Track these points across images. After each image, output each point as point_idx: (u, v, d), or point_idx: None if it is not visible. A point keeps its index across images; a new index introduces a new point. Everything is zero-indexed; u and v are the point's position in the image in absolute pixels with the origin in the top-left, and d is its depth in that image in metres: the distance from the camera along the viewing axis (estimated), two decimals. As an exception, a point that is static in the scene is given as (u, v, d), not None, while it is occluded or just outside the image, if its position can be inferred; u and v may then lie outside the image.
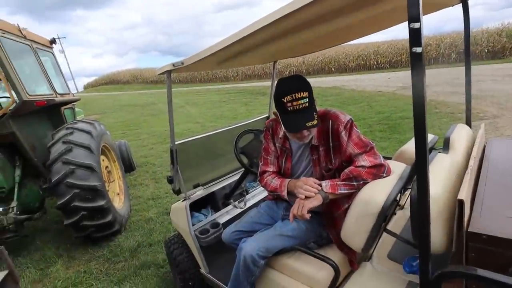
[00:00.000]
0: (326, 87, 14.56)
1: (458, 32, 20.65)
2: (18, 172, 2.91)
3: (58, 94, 3.46)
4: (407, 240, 1.27)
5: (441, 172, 1.08)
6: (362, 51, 23.70)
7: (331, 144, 1.31)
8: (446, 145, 1.38)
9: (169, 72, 1.56)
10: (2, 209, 2.70)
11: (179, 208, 1.87)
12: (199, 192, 1.98)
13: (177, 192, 1.85)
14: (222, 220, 1.93)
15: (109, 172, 3.49)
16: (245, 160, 1.86)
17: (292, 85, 1.19)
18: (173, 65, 1.48)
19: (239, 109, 11.53)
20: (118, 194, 3.63)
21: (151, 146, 7.27)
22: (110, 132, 4.23)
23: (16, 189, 2.83)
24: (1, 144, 2.78)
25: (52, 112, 3.40)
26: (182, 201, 1.90)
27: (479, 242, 0.84)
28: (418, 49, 0.69)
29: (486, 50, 17.93)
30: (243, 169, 2.19)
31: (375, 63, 22.67)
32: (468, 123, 1.76)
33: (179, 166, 1.80)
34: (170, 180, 1.83)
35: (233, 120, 9.78)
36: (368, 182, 1.21)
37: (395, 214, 1.07)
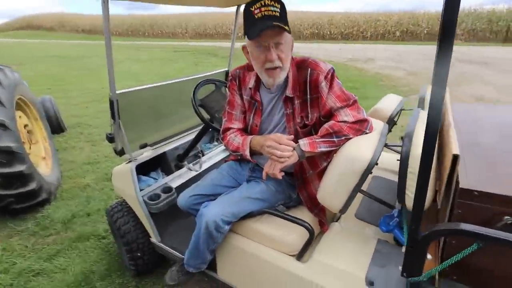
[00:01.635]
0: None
1: (404, 11, 21.87)
2: None
3: None
4: (386, 202, 1.25)
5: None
6: (317, 19, 23.72)
7: (308, 97, 1.15)
8: (421, 103, 1.40)
9: None
10: None
11: (123, 171, 1.60)
12: (147, 153, 1.71)
13: (120, 152, 1.56)
14: (174, 184, 1.72)
15: (29, 132, 2.89)
16: (205, 115, 1.62)
17: None
18: None
19: (188, 69, 10.73)
20: (44, 158, 3.07)
21: (85, 104, 6.35)
22: (32, 86, 3.48)
23: None
24: None
25: None
26: (127, 163, 1.62)
27: (469, 199, 0.81)
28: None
29: (425, 32, 19.42)
30: (198, 128, 1.94)
31: (328, 33, 22.99)
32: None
33: (122, 122, 1.48)
34: (111, 139, 1.51)
35: (182, 80, 9.10)
36: (350, 138, 1.11)
37: (371, 173, 1.00)
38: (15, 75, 2.68)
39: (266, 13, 1.02)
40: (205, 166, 1.91)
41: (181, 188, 1.67)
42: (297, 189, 1.29)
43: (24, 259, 2.04)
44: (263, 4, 1.03)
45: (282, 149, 1.09)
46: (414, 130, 1.01)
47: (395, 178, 1.59)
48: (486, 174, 0.90)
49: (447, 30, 0.61)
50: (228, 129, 1.33)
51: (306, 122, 1.18)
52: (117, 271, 1.86)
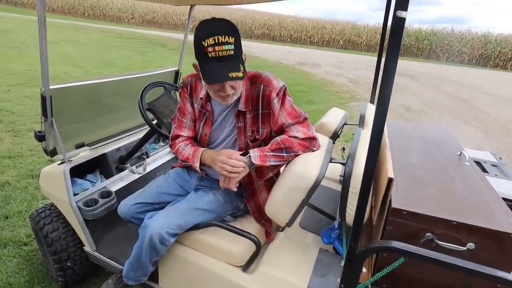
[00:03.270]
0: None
1: (347, 21, 23.60)
2: None
3: None
4: (328, 214, 1.36)
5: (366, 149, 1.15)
6: (268, 20, 24.16)
7: (260, 112, 1.17)
8: (361, 122, 1.48)
9: None
10: None
11: (55, 173, 1.44)
12: (84, 154, 1.57)
13: (52, 152, 1.40)
14: (115, 188, 1.59)
15: None
16: (151, 119, 1.55)
17: (216, 26, 0.97)
18: None
19: (133, 58, 10.03)
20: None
21: (6, 88, 5.51)
22: None
23: None
24: None
25: None
26: (59, 163, 1.46)
27: (399, 217, 0.93)
28: (404, 14, 0.62)
29: (364, 43, 21.25)
30: (143, 128, 1.86)
31: (278, 35, 23.58)
32: (372, 102, 2.00)
33: (55, 118, 1.34)
34: (40, 137, 1.35)
35: (126, 70, 8.47)
36: (298, 155, 1.15)
37: None
38: None
39: (220, 53, 0.97)
40: (149, 168, 1.82)
41: (122, 192, 1.58)
42: (245, 199, 1.30)
43: None
44: (216, 41, 0.96)
45: (234, 164, 1.09)
46: (356, 152, 1.11)
47: (337, 187, 1.72)
48: (414, 194, 1.03)
49: (391, 57, 0.65)
50: (178, 136, 1.30)
51: (256, 137, 1.20)
52: (40, 283, 1.67)
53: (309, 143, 1.17)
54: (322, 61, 13.42)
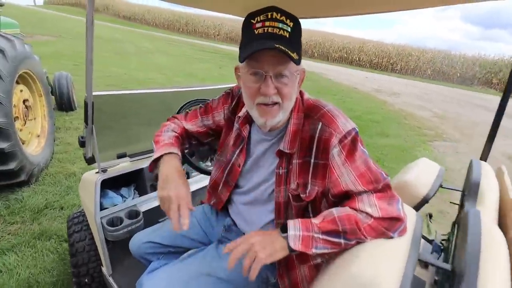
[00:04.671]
0: (308, 71, 14.21)
1: (439, 50, 21.31)
2: None
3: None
4: None
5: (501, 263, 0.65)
6: (348, 44, 23.49)
7: (312, 160, 0.82)
8: (471, 192, 1.00)
9: None
10: None
11: (89, 182, 1.38)
12: (123, 165, 1.49)
13: (90, 160, 1.35)
14: (145, 208, 1.47)
15: (28, 107, 2.78)
16: None
17: (271, 7, 0.76)
18: None
19: (212, 71, 10.69)
20: (39, 136, 2.95)
21: (103, 87, 6.34)
22: (61, 60, 3.39)
23: None
24: None
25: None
26: (97, 172, 1.41)
27: None
28: None
29: (458, 74, 18.80)
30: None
31: (357, 59, 22.66)
32: (484, 158, 1.43)
33: (97, 126, 1.28)
34: (82, 143, 1.31)
35: (203, 81, 9.03)
36: (364, 242, 0.75)
37: None
38: (25, 48, 2.58)
39: (270, 29, 0.73)
40: (193, 187, 1.65)
41: (152, 213, 1.44)
42: (277, 273, 0.93)
43: (-22, 246, 1.86)
44: (269, 17, 0.74)
45: (181, 215, 0.78)
46: (472, 261, 0.64)
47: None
48: None
49: None
50: (176, 121, 1.06)
51: (301, 195, 0.84)
52: (69, 285, 1.64)
53: (389, 226, 0.75)
54: (403, 90, 12.21)
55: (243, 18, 0.80)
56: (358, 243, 0.76)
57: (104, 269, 1.38)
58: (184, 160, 1.28)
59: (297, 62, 0.75)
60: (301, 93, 0.89)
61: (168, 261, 1.03)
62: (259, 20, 0.75)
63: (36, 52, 2.98)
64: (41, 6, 35.33)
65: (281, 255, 0.74)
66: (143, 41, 16.58)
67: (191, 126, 1.07)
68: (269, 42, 0.72)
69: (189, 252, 1.06)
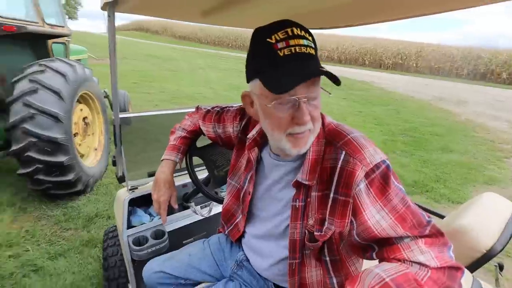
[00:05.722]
0: (355, 79, 13.60)
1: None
2: (-20, 103, 2.55)
3: (47, 24, 3.00)
4: None
5: None
6: (403, 49, 21.95)
7: (332, 194, 0.71)
8: None
9: (111, 5, 1.03)
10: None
11: (120, 200, 1.43)
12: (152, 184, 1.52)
13: (120, 179, 1.41)
14: (171, 228, 1.46)
15: (87, 124, 3.10)
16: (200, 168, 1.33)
17: (285, 22, 0.67)
18: None
19: (258, 83, 10.87)
20: (96, 149, 3.27)
21: (157, 102, 6.87)
22: (122, 79, 3.77)
23: (-25, 122, 2.49)
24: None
25: (36, 44, 2.97)
26: (128, 190, 1.47)
27: None
28: None
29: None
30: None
31: (414, 65, 21.02)
32: None
33: (130, 144, 1.34)
34: (113, 162, 1.38)
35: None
36: None
37: None
38: (86, 72, 2.90)
39: (297, 49, 0.64)
40: (215, 210, 1.60)
41: (178, 233, 1.43)
42: (288, 273, 0.83)
43: (37, 249, 2.08)
44: (289, 34, 0.64)
45: (161, 215, 1.04)
46: None
47: None
48: None
49: None
50: (192, 120, 1.15)
51: (315, 233, 0.73)
52: (101, 297, 1.73)
53: (451, 278, 0.59)
54: (471, 98, 10.86)
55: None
56: None
57: (130, 286, 1.40)
58: (192, 154, 1.24)
59: (339, 81, 0.65)
60: (322, 116, 0.77)
61: None
62: (278, 38, 0.65)
63: (104, 72, 3.33)
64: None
65: None
66: (195, 58, 17.73)
67: (205, 128, 1.10)
68: (300, 66, 0.64)
69: (198, 286, 1.01)
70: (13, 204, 2.56)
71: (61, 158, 2.37)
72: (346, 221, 0.69)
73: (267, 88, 0.65)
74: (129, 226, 1.37)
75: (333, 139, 0.74)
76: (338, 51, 24.35)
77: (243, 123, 0.96)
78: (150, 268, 1.06)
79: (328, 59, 24.05)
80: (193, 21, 1.40)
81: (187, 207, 1.53)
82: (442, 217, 1.24)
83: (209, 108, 1.13)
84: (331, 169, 0.71)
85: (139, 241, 1.32)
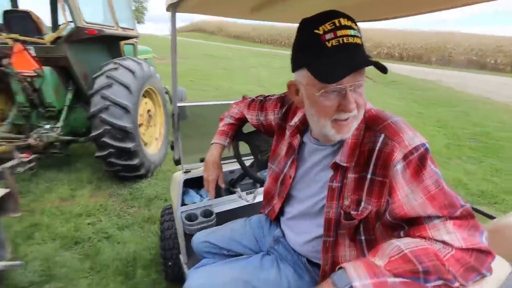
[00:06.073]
0: (418, 78, 12.51)
1: None
2: (69, 95, 3.05)
3: (120, 27, 3.43)
4: None
5: None
6: (479, 44, 19.45)
7: (369, 175, 0.75)
8: None
9: (174, 6, 1.19)
10: (50, 127, 2.89)
11: (176, 180, 1.62)
12: (203, 168, 1.68)
13: (177, 162, 1.59)
14: (218, 209, 1.60)
15: (150, 116, 3.47)
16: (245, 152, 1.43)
17: (331, 13, 0.69)
18: None
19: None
20: (157, 139, 3.64)
21: (211, 98, 7.29)
22: (181, 77, 4.14)
23: (65, 112, 2.99)
24: (57, 66, 2.90)
25: (111, 44, 3.42)
26: (182, 172, 1.65)
27: None
28: None
29: None
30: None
31: (492, 61, 18.49)
32: None
33: (185, 131, 1.51)
34: (171, 147, 1.57)
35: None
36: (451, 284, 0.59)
37: None
38: (151, 69, 3.25)
39: (344, 40, 0.67)
40: (259, 198, 1.72)
41: (224, 215, 1.57)
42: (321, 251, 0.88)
43: (108, 220, 2.44)
44: (337, 25, 0.67)
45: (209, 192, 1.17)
46: None
47: None
48: None
49: None
50: (238, 109, 1.27)
51: (352, 212, 0.77)
52: (157, 266, 1.95)
53: (477, 260, 0.60)
54: None
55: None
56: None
57: (181, 257, 1.58)
58: (239, 139, 1.38)
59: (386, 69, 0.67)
60: None
61: (217, 262, 1.10)
62: (326, 29, 0.67)
63: (166, 71, 3.69)
64: (169, 35, 43.51)
65: None
66: (248, 57, 18.18)
67: (249, 116, 1.20)
68: (348, 56, 0.67)
69: (238, 257, 1.11)
70: (91, 182, 3.02)
71: (129, 145, 2.71)
72: (383, 200, 0.72)
73: (316, 78, 0.69)
74: (182, 204, 1.54)
75: (372, 124, 0.77)
76: (400, 48, 22.64)
77: (283, 111, 1.03)
78: (198, 238, 1.20)
79: (388, 56, 22.51)
80: (243, 18, 1.51)
81: (233, 192, 1.66)
82: (492, 218, 1.15)
83: (253, 97, 1.24)
84: (369, 152, 0.75)
85: (190, 217, 1.49)
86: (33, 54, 2.71)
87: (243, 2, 1.21)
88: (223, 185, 1.24)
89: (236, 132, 1.30)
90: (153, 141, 3.56)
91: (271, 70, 13.24)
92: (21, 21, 2.85)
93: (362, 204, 0.76)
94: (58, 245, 2.12)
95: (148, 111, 3.41)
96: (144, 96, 3.22)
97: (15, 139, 2.78)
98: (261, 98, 1.18)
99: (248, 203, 1.66)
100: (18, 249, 2.04)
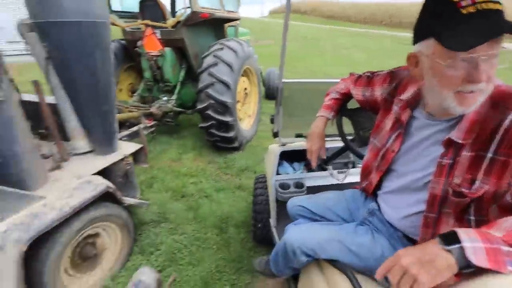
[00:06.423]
0: None
1: None
2: (182, 73, 3.54)
3: (226, 11, 3.72)
4: None
5: None
6: None
7: (489, 154, 0.71)
8: None
9: None
10: (166, 99, 3.44)
11: (272, 152, 1.75)
12: (298, 143, 1.76)
13: (275, 135, 1.71)
14: (309, 183, 1.68)
15: (246, 94, 3.73)
16: (348, 129, 1.43)
17: None
18: None
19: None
20: (250, 116, 3.91)
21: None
22: (270, 59, 4.33)
23: (178, 87, 3.50)
24: (175, 47, 3.37)
25: (217, 27, 3.75)
26: (279, 145, 1.77)
27: None
28: None
29: None
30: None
31: None
32: None
33: (284, 108, 1.60)
34: (271, 120, 1.69)
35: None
36: None
37: None
38: (250, 49, 3.46)
39: (484, 6, 0.62)
40: (350, 179, 1.70)
41: (314, 190, 1.63)
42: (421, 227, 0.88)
43: (207, 182, 2.81)
44: None
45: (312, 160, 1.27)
46: None
47: None
48: None
49: None
50: (344, 86, 1.28)
51: (464, 190, 0.74)
52: (246, 227, 2.19)
53: None
54: None
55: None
56: None
57: (271, 221, 1.74)
58: (343, 114, 1.42)
59: None
60: None
61: (313, 223, 1.19)
62: None
63: (258, 53, 3.90)
64: (266, 16, 44.20)
65: (446, 275, 0.59)
66: (341, 37, 17.14)
67: (355, 92, 1.21)
68: (486, 23, 0.63)
69: (331, 222, 1.16)
70: (194, 149, 3.50)
71: (228, 118, 3.02)
72: (504, 181, 0.70)
73: (445, 46, 0.66)
74: (277, 173, 1.68)
75: (501, 101, 0.72)
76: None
77: (393, 85, 1.02)
78: (293, 202, 1.31)
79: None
80: None
81: (325, 169, 1.71)
82: None
83: (360, 74, 1.23)
84: (493, 129, 0.71)
85: (283, 186, 1.61)
86: (159, 37, 3.22)
87: None
88: (324, 156, 1.30)
89: (341, 106, 1.33)
90: (246, 118, 3.84)
91: (367, 52, 12.22)
92: (151, 9, 3.40)
93: (477, 183, 0.73)
94: (170, 196, 2.58)
95: (245, 89, 3.67)
96: (242, 75, 3.48)
97: (141, 108, 3.43)
98: (368, 74, 1.17)
99: (338, 182, 1.68)
100: (142, 194, 2.58)
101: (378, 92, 1.08)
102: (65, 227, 1.47)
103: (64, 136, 1.92)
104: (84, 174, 1.72)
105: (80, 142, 1.95)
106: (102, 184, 1.64)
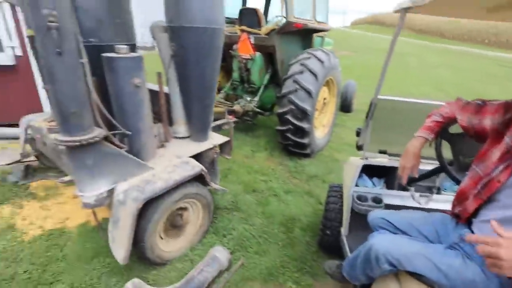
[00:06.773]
0: None
1: None
2: (267, 77, 3.76)
3: (317, 21, 3.82)
4: None
5: None
6: None
7: None
8: None
9: (404, 10, 1.28)
10: (249, 99, 3.71)
11: (353, 164, 1.79)
12: (381, 159, 1.76)
13: (359, 148, 1.74)
14: (387, 200, 1.66)
15: (324, 103, 3.77)
16: (447, 154, 1.37)
17: None
18: (413, 1, 1.20)
19: (500, 97, 8.19)
20: (324, 126, 3.94)
21: (372, 95, 6.93)
22: (349, 70, 4.31)
23: (261, 89, 3.73)
24: (265, 52, 3.61)
25: (305, 36, 3.88)
26: (360, 158, 1.79)
27: None
28: None
29: None
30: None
31: None
32: None
33: (373, 123, 1.63)
34: (357, 133, 1.73)
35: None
36: None
37: None
38: (335, 61, 3.50)
39: None
40: (432, 205, 1.64)
41: (392, 208, 1.61)
42: None
43: (277, 182, 2.94)
44: None
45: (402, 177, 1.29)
46: None
47: None
48: None
49: None
50: (448, 110, 1.26)
51: None
52: (311, 231, 2.24)
53: None
54: None
55: None
56: None
57: (342, 230, 1.77)
58: (443, 137, 1.38)
59: None
60: None
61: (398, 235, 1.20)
62: None
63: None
64: (348, 26, 42.86)
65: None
66: (430, 54, 15.67)
67: (461, 117, 1.19)
68: None
69: (417, 238, 1.16)
70: (266, 149, 3.69)
71: (305, 125, 3.12)
72: None
73: None
74: (356, 185, 1.71)
75: None
76: None
77: (507, 117, 0.99)
78: (376, 214, 1.35)
79: None
80: (479, 19, 1.41)
81: (406, 189, 1.67)
82: None
83: (469, 100, 1.20)
84: None
85: (360, 198, 1.64)
86: (252, 42, 3.50)
87: (479, 3, 1.16)
88: (416, 175, 1.30)
89: (441, 129, 1.31)
90: (320, 127, 3.88)
91: (459, 72, 10.96)
92: (249, 16, 3.71)
93: None
94: (242, 188, 2.79)
95: (324, 99, 3.72)
96: (323, 84, 3.54)
97: (225, 104, 3.76)
98: (479, 101, 1.14)
99: (418, 205, 1.63)
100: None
101: (488, 121, 1.06)
102: (167, 196, 1.76)
103: (170, 121, 2.28)
104: (182, 155, 2.02)
105: (181, 127, 2.28)
106: (198, 166, 1.90)
